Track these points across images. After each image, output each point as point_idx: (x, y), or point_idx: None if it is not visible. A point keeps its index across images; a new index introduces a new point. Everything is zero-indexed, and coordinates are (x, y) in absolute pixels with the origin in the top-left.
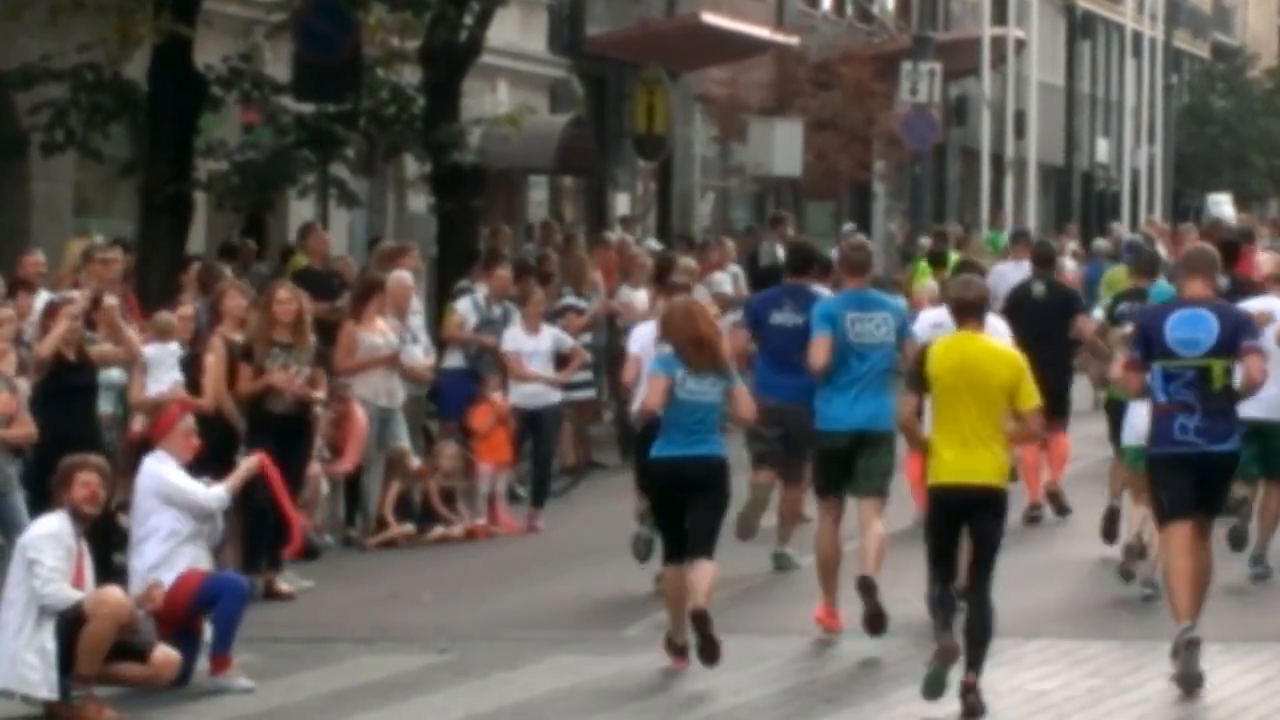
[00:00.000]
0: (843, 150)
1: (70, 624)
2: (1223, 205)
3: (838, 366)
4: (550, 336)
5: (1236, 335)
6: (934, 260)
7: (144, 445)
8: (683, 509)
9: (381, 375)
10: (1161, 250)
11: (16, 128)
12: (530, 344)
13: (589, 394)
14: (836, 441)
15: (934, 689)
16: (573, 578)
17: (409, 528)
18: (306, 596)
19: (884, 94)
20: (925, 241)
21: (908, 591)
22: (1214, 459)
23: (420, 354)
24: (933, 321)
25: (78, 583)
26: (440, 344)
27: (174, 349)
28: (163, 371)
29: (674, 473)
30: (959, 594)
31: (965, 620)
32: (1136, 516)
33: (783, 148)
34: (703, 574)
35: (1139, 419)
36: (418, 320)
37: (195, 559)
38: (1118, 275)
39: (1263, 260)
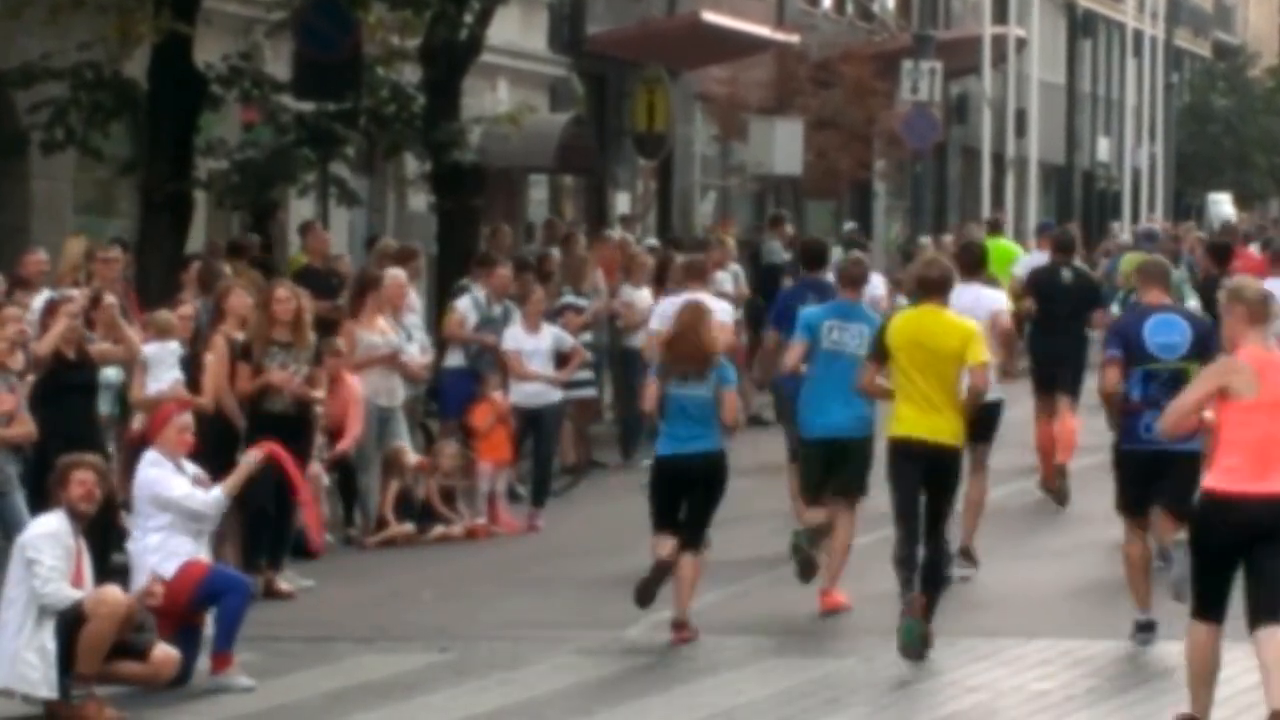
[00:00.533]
0: (843, 149)
1: (70, 623)
2: (1223, 204)
3: (817, 373)
4: (551, 335)
5: (1208, 341)
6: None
7: (144, 444)
8: (679, 499)
9: (381, 374)
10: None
11: (16, 126)
12: (530, 343)
13: (589, 393)
14: (815, 448)
15: (909, 643)
16: (573, 577)
17: (409, 527)
18: (306, 596)
19: (885, 93)
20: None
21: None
22: (1175, 457)
23: (416, 352)
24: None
25: (76, 582)
26: (440, 343)
27: (174, 348)
28: (163, 370)
29: (675, 469)
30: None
31: (921, 567)
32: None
33: (783, 147)
34: (685, 568)
35: None
36: (413, 318)
37: (196, 549)
38: (1133, 259)
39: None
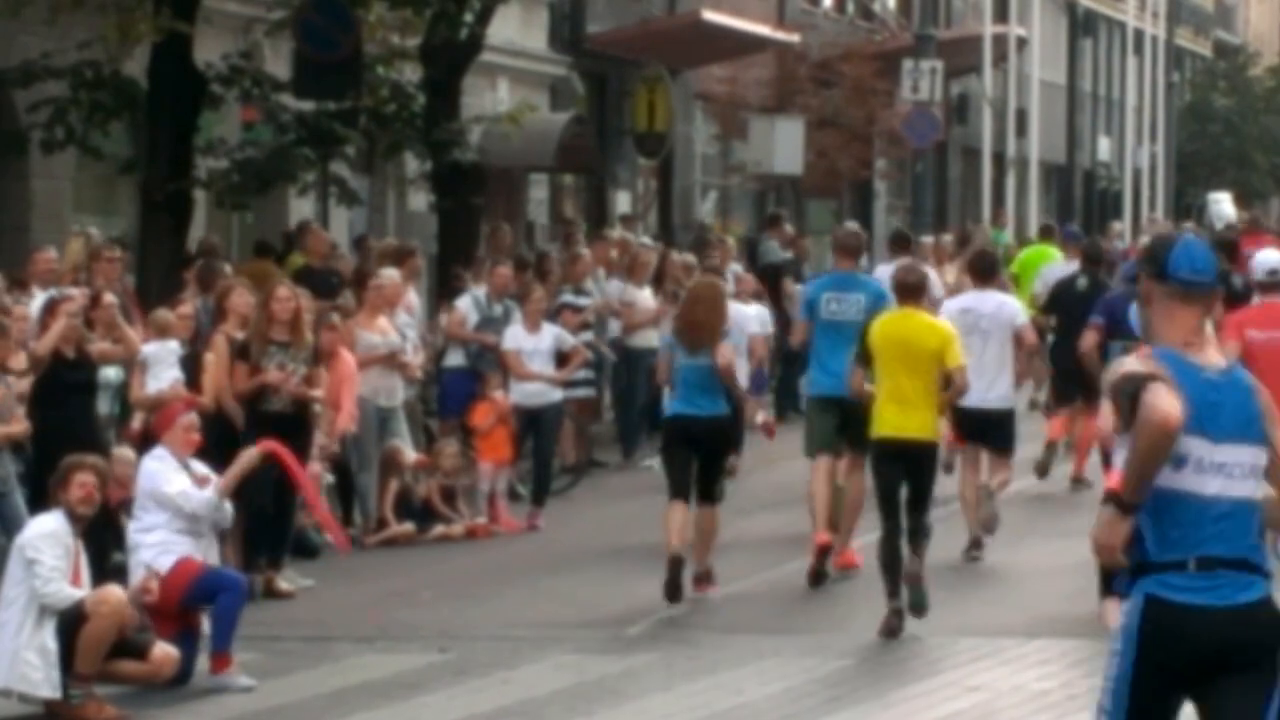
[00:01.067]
0: (844, 148)
1: (70, 623)
2: (1223, 204)
3: (819, 341)
4: (551, 335)
5: None
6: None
7: (144, 443)
8: (690, 459)
9: (381, 374)
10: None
11: (16, 125)
12: (531, 342)
13: (589, 392)
14: (821, 404)
15: (911, 611)
16: (573, 577)
17: (409, 527)
18: (306, 596)
19: (885, 92)
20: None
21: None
22: None
23: (409, 350)
24: (961, 306)
25: (74, 582)
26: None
27: (173, 347)
28: (162, 369)
29: (682, 428)
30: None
31: (907, 534)
32: None
33: (784, 146)
34: (704, 521)
35: None
36: (405, 317)
37: (196, 548)
38: None
39: None
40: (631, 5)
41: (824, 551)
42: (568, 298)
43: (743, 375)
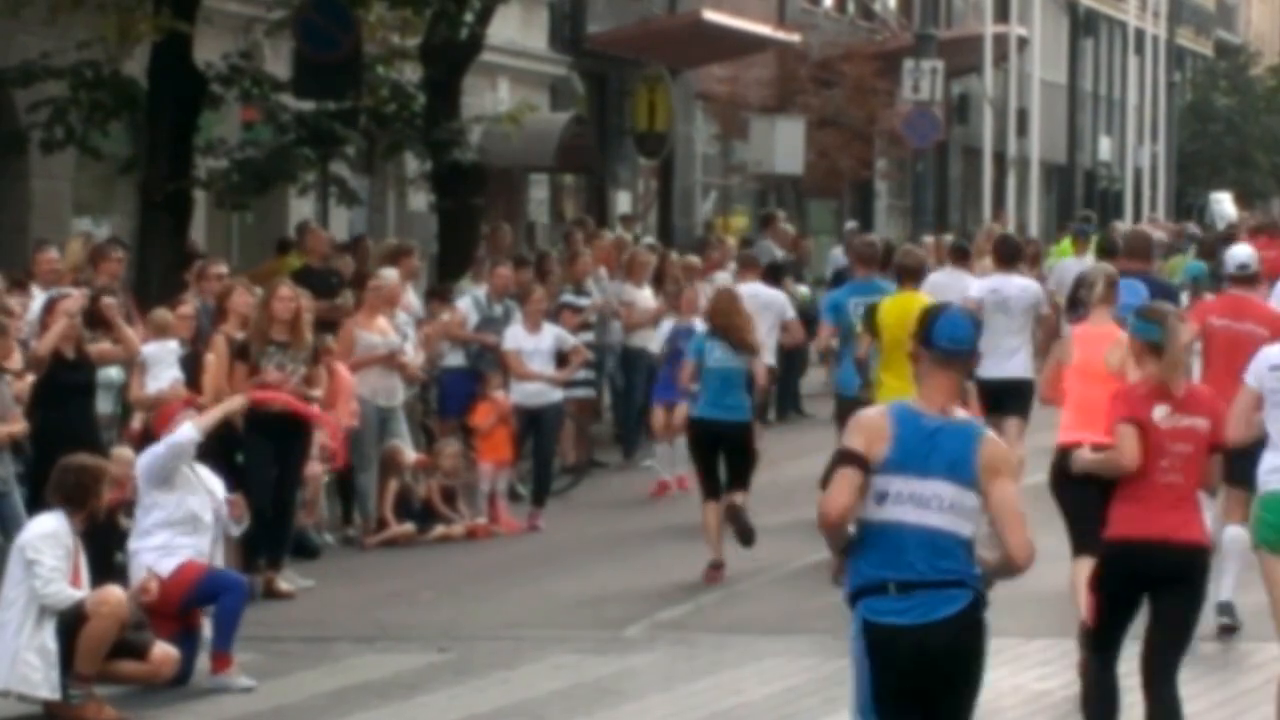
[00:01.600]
0: (844, 148)
1: (70, 623)
2: (1224, 203)
3: (845, 343)
4: (552, 335)
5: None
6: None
7: (144, 442)
8: (717, 461)
9: (381, 374)
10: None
11: (16, 125)
12: (531, 343)
13: (589, 393)
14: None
15: None
16: (573, 577)
17: (409, 527)
18: (306, 596)
19: (886, 92)
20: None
21: None
22: None
23: (409, 350)
24: (990, 287)
25: (73, 582)
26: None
27: (173, 347)
28: (162, 369)
29: (709, 432)
30: None
31: None
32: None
33: (784, 146)
34: (736, 496)
35: None
36: (403, 317)
37: (197, 551)
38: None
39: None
40: (632, 5)
41: None
42: (568, 298)
43: (771, 357)
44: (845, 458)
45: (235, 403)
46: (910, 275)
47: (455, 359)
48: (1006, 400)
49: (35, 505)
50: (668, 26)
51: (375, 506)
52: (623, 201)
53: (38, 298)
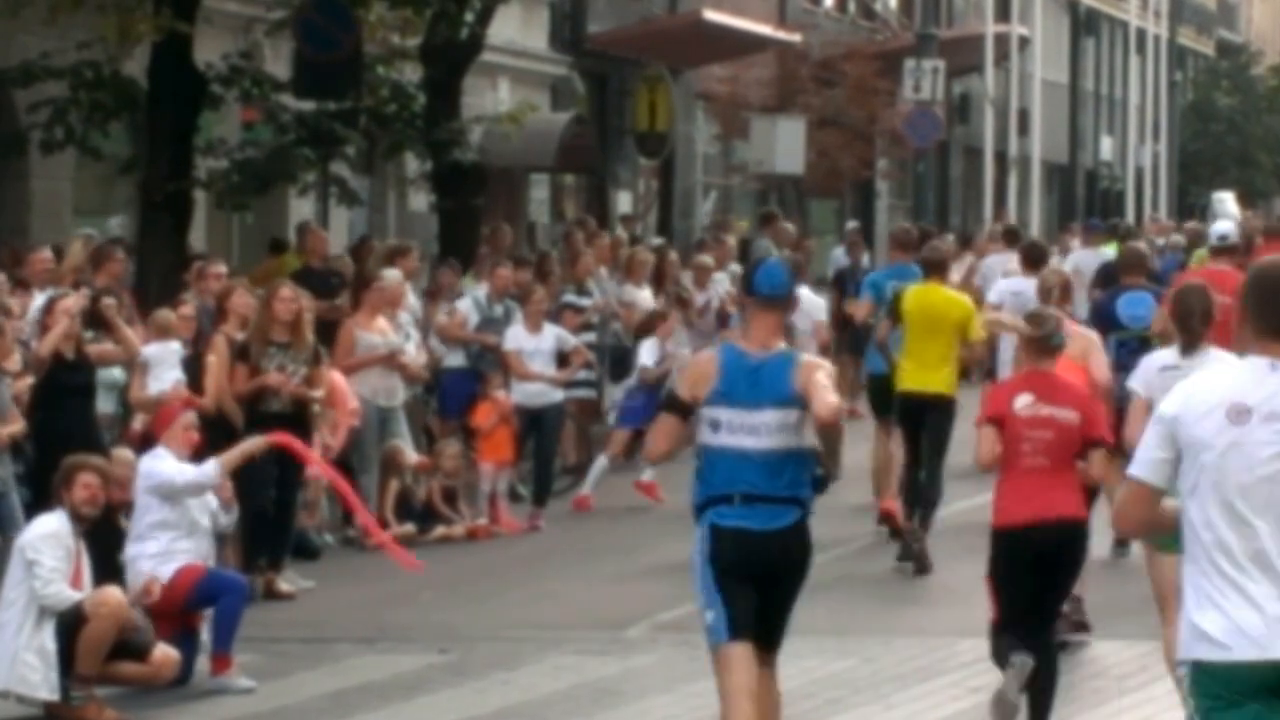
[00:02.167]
0: (845, 148)
1: (70, 624)
2: (1226, 203)
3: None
4: (552, 335)
5: None
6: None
7: (144, 443)
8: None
9: (381, 374)
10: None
11: (16, 126)
12: (532, 343)
13: (589, 393)
14: (880, 379)
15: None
16: (573, 578)
17: (409, 527)
18: (306, 596)
19: (887, 91)
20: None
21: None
22: None
23: (412, 350)
24: (1013, 289)
25: (75, 583)
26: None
27: (175, 347)
28: (163, 370)
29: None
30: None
31: (919, 493)
32: None
33: (785, 145)
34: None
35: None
36: (404, 316)
37: (196, 554)
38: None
39: None
40: (632, 5)
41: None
42: (569, 298)
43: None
44: (666, 403)
45: (258, 444)
46: (935, 269)
47: (456, 359)
48: None
49: (35, 506)
50: (668, 26)
51: (376, 507)
52: (623, 201)
53: (37, 298)
